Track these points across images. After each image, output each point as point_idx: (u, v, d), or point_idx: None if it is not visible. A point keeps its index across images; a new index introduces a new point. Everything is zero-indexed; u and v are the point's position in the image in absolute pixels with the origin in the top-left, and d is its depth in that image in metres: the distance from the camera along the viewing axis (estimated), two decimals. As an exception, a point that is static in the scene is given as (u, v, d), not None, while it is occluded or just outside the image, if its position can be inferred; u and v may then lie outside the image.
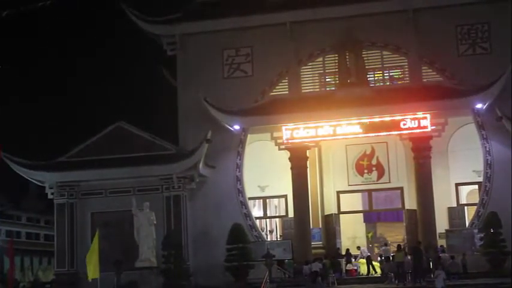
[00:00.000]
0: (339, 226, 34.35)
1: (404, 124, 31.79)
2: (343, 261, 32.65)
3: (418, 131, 31.82)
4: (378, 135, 32.71)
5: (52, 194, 33.74)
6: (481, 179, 32.00)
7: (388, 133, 32.33)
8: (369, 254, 33.35)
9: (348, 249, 33.42)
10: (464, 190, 33.83)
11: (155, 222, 31.62)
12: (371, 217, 35.85)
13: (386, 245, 33.01)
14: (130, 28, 35.13)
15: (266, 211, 35.11)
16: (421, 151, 32.28)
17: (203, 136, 32.41)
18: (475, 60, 32.61)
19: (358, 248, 34.04)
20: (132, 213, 31.49)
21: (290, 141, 32.61)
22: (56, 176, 33.45)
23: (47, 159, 34.01)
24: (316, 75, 34.10)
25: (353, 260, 32.86)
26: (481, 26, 32.79)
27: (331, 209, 34.40)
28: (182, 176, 32.81)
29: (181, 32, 34.45)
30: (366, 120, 31.99)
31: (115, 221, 32.63)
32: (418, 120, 31.73)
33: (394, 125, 31.89)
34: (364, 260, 33.09)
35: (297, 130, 32.51)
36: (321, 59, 33.91)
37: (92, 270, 27.43)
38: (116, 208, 32.76)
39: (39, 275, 48.65)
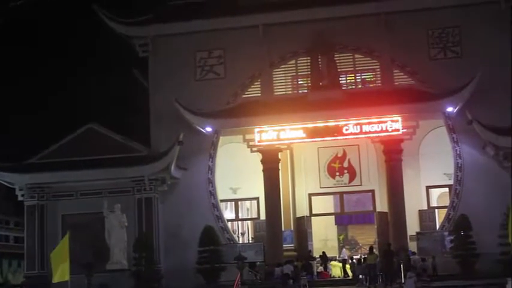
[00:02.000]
0: (311, 228, 34.58)
1: (375, 127, 32.01)
2: (314, 263, 32.83)
3: (389, 133, 32.05)
4: (349, 138, 32.85)
5: (22, 195, 33.71)
6: (451, 182, 32.31)
7: (359, 136, 32.52)
8: (346, 257, 33.59)
9: (323, 252, 33.66)
10: (435, 193, 34.16)
11: (126, 224, 31.70)
12: (342, 219, 36.14)
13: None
14: (102, 29, 35.08)
15: (238, 213, 35.22)
16: (393, 154, 32.59)
17: (175, 138, 32.47)
18: (446, 63, 32.97)
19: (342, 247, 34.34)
20: (103, 215, 31.51)
21: (262, 143, 32.80)
22: (26, 177, 33.41)
23: (17, 161, 33.87)
24: (289, 77, 34.27)
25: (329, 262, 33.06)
26: (452, 30, 33.16)
27: (303, 211, 34.56)
28: (154, 178, 32.91)
29: (153, 34, 34.54)
30: (337, 123, 32.17)
31: (86, 223, 32.51)
32: (389, 123, 31.99)
33: (366, 128, 32.10)
34: (336, 263, 33.36)
35: (269, 132, 32.63)
36: (293, 61, 34.11)
37: (59, 273, 25.64)
38: (87, 210, 32.73)
39: (9, 277, 48.25)
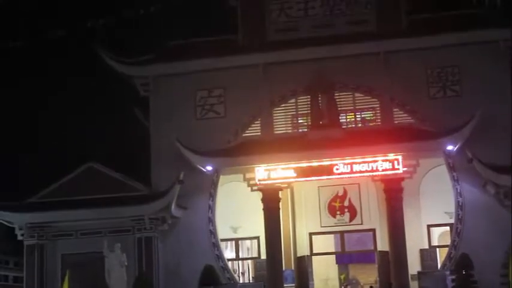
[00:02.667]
0: (312, 268, 34.42)
1: (376, 166, 32.13)
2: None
3: (390, 172, 32.14)
4: (350, 177, 32.91)
5: (22, 235, 33.64)
6: (452, 221, 32.30)
7: (360, 175, 32.59)
8: None
9: None
10: (436, 232, 34.06)
11: (126, 263, 31.41)
12: (343, 259, 35.85)
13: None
14: (103, 68, 35.32)
15: (238, 253, 35.11)
16: (393, 192, 32.58)
17: (175, 177, 32.55)
18: (445, 102, 33.15)
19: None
20: (103, 255, 31.22)
21: (262, 182, 32.83)
22: (26, 217, 33.42)
23: (17, 200, 33.92)
24: (289, 116, 34.41)
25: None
26: (452, 69, 33.40)
27: (303, 250, 34.46)
28: (154, 217, 32.91)
29: (154, 73, 34.80)
30: (338, 162, 32.33)
31: (86, 262, 32.43)
32: (390, 162, 32.11)
33: (366, 167, 32.21)
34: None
35: (270, 171, 32.72)
36: (293, 100, 34.29)
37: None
38: (87, 249, 32.65)
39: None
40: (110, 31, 34.35)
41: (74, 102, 44.50)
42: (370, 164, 32.28)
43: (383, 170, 32.18)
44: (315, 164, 32.51)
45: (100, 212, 32.81)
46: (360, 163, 32.33)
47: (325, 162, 32.45)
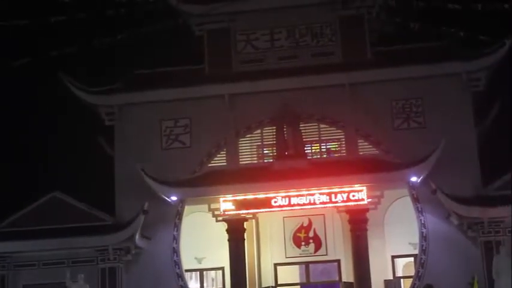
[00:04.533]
0: (276, 299, 34.56)
1: (340, 197, 32.44)
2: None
3: (354, 203, 32.47)
4: (315, 208, 33.17)
5: (-17, 265, 33.39)
6: (416, 252, 32.62)
7: (325, 205, 32.90)
8: None
9: None
10: (401, 262, 34.36)
11: (90, 294, 31.50)
12: (308, 289, 36.12)
13: None
14: (66, 96, 35.47)
15: (203, 283, 35.15)
16: (358, 223, 32.84)
17: (140, 207, 32.62)
18: (409, 134, 33.59)
19: None
20: (66, 286, 31.22)
21: (227, 213, 33.02)
22: (-12, 247, 33.22)
23: (-21, 230, 33.62)
24: (254, 147, 34.66)
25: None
26: (415, 101, 33.88)
27: (268, 281, 34.55)
28: (118, 247, 32.86)
29: (120, 103, 34.90)
30: (303, 192, 32.63)
31: (48, 293, 32.27)
32: (354, 193, 32.45)
33: (331, 198, 32.54)
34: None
35: (234, 202, 32.92)
36: (259, 131, 34.59)
37: None
38: (50, 280, 32.57)
39: None
40: (75, 60, 34.79)
41: (37, 130, 44.39)
42: (335, 195, 32.59)
43: (348, 201, 32.49)
44: (280, 194, 32.80)
45: (63, 242, 32.68)
46: (324, 194, 32.64)
47: (291, 193, 32.74)
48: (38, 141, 43.86)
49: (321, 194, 32.64)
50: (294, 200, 32.75)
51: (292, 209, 33.22)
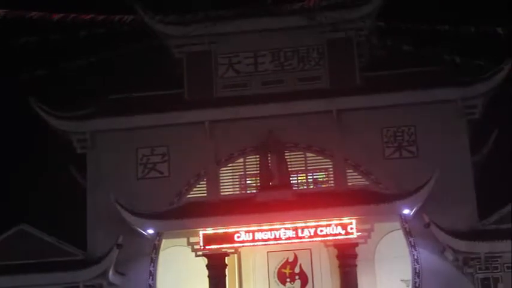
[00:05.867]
0: (259, 339, 33.63)
1: (328, 230, 31.70)
2: None
3: (343, 237, 31.71)
4: (301, 242, 32.40)
5: None
6: (409, 289, 31.93)
7: (312, 239, 32.10)
8: None
9: None
10: (392, 300, 33.66)
11: (59, 334, 30.38)
12: (294, 329, 35.13)
13: None
14: (36, 121, 34.89)
15: (181, 323, 34.24)
16: (347, 259, 32.12)
17: (114, 241, 31.81)
18: (401, 163, 33.03)
19: None
20: (34, 326, 30.28)
21: (207, 247, 32.20)
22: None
23: None
24: (236, 177, 34.11)
25: None
26: (408, 129, 33.37)
27: (251, 321, 33.73)
28: (90, 284, 32.03)
29: (92, 129, 34.25)
30: (288, 226, 31.88)
31: (14, 332, 31.33)
32: (343, 226, 31.70)
33: (318, 231, 31.80)
34: None
35: (215, 235, 32.12)
36: (241, 160, 33.98)
37: None
38: (15, 319, 31.60)
39: None
40: (46, 83, 34.47)
41: (3, 157, 43.66)
42: (322, 229, 31.86)
43: (336, 235, 31.76)
44: (263, 227, 32.05)
45: (31, 279, 31.93)
46: (311, 227, 31.93)
47: (275, 226, 31.99)
48: (3, 169, 43.32)
49: (307, 227, 31.89)
50: (278, 234, 32.06)
51: (276, 243, 32.43)
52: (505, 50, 31.90)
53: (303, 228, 31.90)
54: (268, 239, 32.12)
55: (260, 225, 32.03)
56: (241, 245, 32.41)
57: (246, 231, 32.10)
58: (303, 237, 32.01)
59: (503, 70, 32.33)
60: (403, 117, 33.38)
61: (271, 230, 32.02)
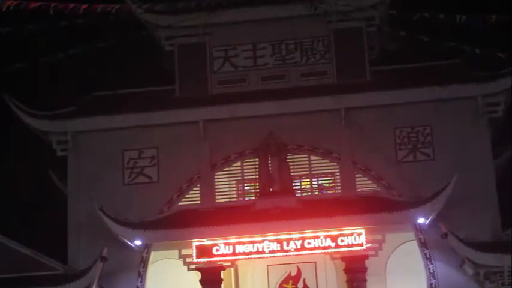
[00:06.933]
0: None
1: (335, 241, 30.50)
2: None
3: (351, 249, 30.57)
4: (304, 254, 31.12)
5: None
6: (424, 306, 30.95)
7: (317, 251, 30.88)
8: None
9: None
10: (406, 319, 32.70)
11: None
12: None
13: None
14: (12, 121, 33.79)
15: None
16: (355, 273, 30.87)
17: (97, 253, 30.59)
18: (416, 167, 31.91)
19: None
20: None
21: (201, 260, 30.99)
22: None
23: None
24: (233, 182, 33.11)
25: None
26: (423, 129, 32.28)
27: None
28: (71, 300, 30.96)
29: (74, 130, 33.20)
30: (290, 236, 30.68)
31: None
32: (351, 237, 30.54)
33: (323, 242, 30.60)
34: None
35: (209, 247, 30.94)
36: (239, 163, 32.87)
37: None
38: None
39: None
40: (23, 79, 33.50)
41: None
42: (328, 239, 30.61)
43: (343, 247, 30.56)
44: (263, 238, 30.83)
45: None
46: (316, 238, 30.70)
47: (276, 237, 30.78)
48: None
49: (311, 238, 30.65)
50: (279, 245, 30.80)
51: (277, 256, 31.16)
52: (531, 42, 30.97)
53: (306, 239, 30.73)
54: (269, 251, 30.89)
55: (259, 236, 30.79)
56: (239, 257, 31.21)
57: (244, 243, 30.90)
58: (307, 249, 30.78)
59: (529, 63, 31.46)
60: (417, 116, 32.23)
61: (271, 241, 30.83)
